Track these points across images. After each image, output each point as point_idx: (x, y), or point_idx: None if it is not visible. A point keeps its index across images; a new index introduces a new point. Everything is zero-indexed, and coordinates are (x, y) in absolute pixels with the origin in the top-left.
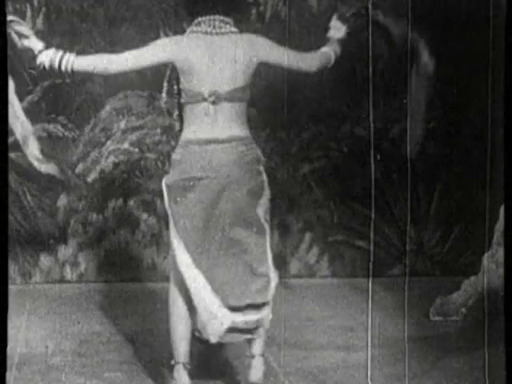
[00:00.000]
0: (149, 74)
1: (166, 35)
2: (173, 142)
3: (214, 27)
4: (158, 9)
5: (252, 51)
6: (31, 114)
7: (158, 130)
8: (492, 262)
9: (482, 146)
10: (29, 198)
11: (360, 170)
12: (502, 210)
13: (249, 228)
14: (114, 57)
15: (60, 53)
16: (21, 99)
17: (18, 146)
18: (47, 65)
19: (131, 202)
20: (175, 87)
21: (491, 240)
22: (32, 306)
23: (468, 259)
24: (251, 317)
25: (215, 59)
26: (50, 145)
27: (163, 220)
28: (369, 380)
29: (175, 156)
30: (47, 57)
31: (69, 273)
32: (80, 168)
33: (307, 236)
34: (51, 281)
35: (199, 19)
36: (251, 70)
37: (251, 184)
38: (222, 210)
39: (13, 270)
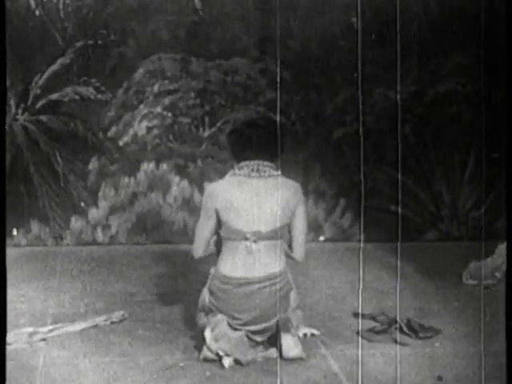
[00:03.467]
0: (182, 37)
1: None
2: (207, 107)
3: (257, 171)
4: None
5: (290, 195)
6: (63, 76)
7: (192, 94)
8: None
9: None
10: (60, 161)
11: (393, 135)
12: None
13: None
14: (195, 245)
15: None
16: (52, 61)
17: (49, 109)
18: None
19: (163, 166)
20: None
21: None
22: (64, 267)
23: (503, 224)
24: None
25: (258, 200)
26: (82, 107)
27: (195, 183)
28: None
29: (211, 287)
30: None
31: (100, 235)
32: (112, 131)
33: (341, 201)
34: (83, 243)
35: (242, 163)
36: (290, 212)
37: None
38: None
39: (44, 232)
